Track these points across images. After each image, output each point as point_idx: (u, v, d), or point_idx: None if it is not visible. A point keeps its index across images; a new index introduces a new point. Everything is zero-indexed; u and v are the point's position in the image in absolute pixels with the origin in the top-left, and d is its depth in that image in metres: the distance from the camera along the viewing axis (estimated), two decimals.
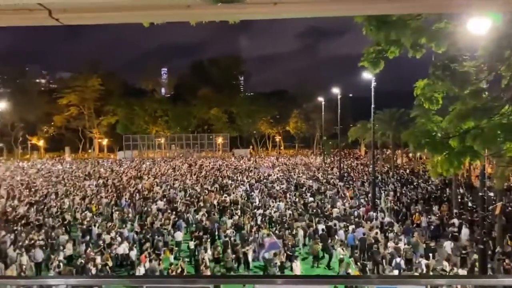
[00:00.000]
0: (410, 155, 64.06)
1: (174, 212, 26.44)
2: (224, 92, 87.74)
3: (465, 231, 21.62)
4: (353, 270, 17.18)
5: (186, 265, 18.16)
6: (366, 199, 30.99)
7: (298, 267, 17.56)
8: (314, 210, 27.05)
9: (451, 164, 7.96)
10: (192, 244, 20.17)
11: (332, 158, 65.71)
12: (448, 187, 33.55)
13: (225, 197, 31.63)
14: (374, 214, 25.68)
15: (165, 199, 31.55)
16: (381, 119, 51.48)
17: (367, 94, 32.02)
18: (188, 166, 58.89)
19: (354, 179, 42.45)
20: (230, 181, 41.08)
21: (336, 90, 53.21)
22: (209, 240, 20.71)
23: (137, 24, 3.79)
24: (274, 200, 30.08)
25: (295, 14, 2.92)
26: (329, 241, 20.50)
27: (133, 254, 19.32)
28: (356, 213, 26.06)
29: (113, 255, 19.12)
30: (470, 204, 26.22)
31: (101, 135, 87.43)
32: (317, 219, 24.19)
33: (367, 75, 30.74)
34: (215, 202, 29.97)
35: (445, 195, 32.35)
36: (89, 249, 19.46)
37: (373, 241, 19.77)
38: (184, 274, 16.22)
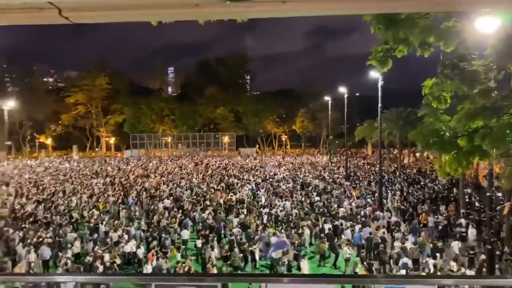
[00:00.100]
0: (417, 154, 63.71)
1: (180, 211, 26.53)
2: (231, 91, 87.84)
3: (472, 231, 21.50)
4: (361, 270, 17.13)
5: (193, 263, 18.21)
6: (372, 198, 30.87)
7: (305, 266, 17.56)
8: (321, 210, 27.04)
9: (459, 163, 7.90)
10: (199, 243, 20.23)
11: (338, 158, 65.54)
12: (455, 187, 33.35)
13: (231, 195, 31.67)
14: (381, 213, 25.58)
15: (171, 198, 31.66)
16: (388, 118, 51.18)
17: (374, 93, 31.91)
18: (195, 164, 59.04)
19: (361, 179, 42.31)
20: (236, 180, 41.12)
21: (342, 89, 53.02)
22: (215, 238, 20.76)
23: (144, 23, 3.81)
24: (280, 199, 30.08)
25: (304, 12, 2.92)
26: (335, 240, 20.48)
27: (141, 252, 19.39)
28: (362, 213, 25.99)
29: (121, 253, 19.23)
30: (477, 204, 26.03)
31: (108, 133, 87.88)
32: (323, 218, 24.16)
33: (374, 74, 30.61)
34: (221, 200, 30.03)
35: (452, 195, 32.18)
36: (97, 247, 19.60)
37: (379, 240, 19.71)
38: (192, 272, 16.28)
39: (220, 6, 2.75)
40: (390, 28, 7.17)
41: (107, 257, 17.96)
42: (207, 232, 21.60)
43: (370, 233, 20.61)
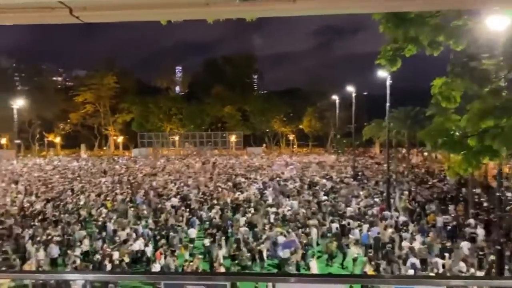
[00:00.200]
0: (425, 154, 63.26)
1: (188, 210, 26.59)
2: (238, 90, 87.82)
3: (481, 232, 21.31)
4: (369, 270, 17.06)
5: (201, 262, 18.25)
6: (380, 198, 30.72)
7: (314, 266, 17.54)
8: (328, 209, 26.95)
9: (469, 163, 7.83)
10: (207, 242, 20.27)
11: (346, 157, 65.30)
12: (464, 187, 33.08)
13: (238, 195, 31.70)
14: (389, 213, 25.45)
15: (179, 196, 31.75)
16: (396, 118, 50.75)
17: (382, 92, 31.73)
18: (202, 163, 59.15)
19: (369, 178, 42.12)
20: (243, 179, 41.13)
21: (350, 88, 52.79)
22: (223, 237, 20.78)
23: (152, 22, 3.81)
24: (287, 198, 30.04)
25: (315, 11, 2.90)
26: (343, 240, 20.42)
27: (149, 250, 19.48)
28: (370, 212, 25.87)
29: (129, 251, 19.33)
30: (486, 204, 25.81)
31: (116, 132, 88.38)
32: (330, 217, 24.09)
33: (382, 73, 30.43)
34: (228, 200, 30.06)
35: (461, 195, 31.90)
36: (105, 245, 19.71)
37: (387, 240, 19.62)
38: (199, 271, 16.31)
39: (230, 5, 2.74)
40: (400, 27, 7.12)
41: (115, 255, 18.06)
42: (214, 231, 21.64)
43: (378, 233, 20.52)
